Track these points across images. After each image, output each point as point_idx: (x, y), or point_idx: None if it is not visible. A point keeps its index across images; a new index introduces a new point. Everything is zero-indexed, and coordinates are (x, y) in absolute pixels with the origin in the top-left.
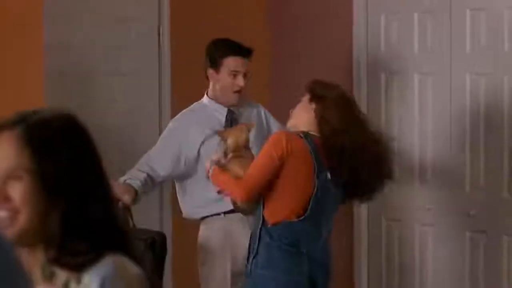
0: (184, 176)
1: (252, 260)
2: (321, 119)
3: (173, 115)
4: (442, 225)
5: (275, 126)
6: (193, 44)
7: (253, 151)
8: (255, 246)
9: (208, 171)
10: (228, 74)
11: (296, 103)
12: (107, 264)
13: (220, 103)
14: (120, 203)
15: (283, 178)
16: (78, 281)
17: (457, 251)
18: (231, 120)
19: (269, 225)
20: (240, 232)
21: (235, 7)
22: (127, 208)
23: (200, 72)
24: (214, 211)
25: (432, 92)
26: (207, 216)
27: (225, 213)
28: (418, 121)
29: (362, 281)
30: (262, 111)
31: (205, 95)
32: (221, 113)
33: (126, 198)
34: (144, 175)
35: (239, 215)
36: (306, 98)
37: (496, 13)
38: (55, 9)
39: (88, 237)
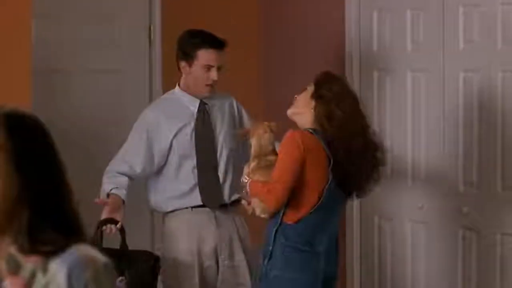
0: (157, 171)
1: (268, 262)
2: (321, 118)
3: None
4: (435, 223)
5: (246, 118)
6: None
7: (227, 144)
8: (270, 248)
9: (245, 181)
10: (201, 67)
11: (299, 90)
12: (73, 253)
13: (192, 94)
14: (119, 225)
15: (303, 176)
16: (45, 270)
17: (450, 249)
18: (204, 112)
19: (289, 224)
20: (207, 226)
21: (226, 5)
22: (122, 228)
23: None
24: (183, 205)
25: (425, 90)
26: (176, 210)
27: (193, 207)
28: (411, 119)
29: (355, 279)
30: (235, 102)
31: (177, 86)
32: (194, 105)
33: (119, 216)
34: (126, 179)
35: (206, 209)
36: (310, 90)
37: (489, 9)
38: (45, 6)
39: (55, 227)
